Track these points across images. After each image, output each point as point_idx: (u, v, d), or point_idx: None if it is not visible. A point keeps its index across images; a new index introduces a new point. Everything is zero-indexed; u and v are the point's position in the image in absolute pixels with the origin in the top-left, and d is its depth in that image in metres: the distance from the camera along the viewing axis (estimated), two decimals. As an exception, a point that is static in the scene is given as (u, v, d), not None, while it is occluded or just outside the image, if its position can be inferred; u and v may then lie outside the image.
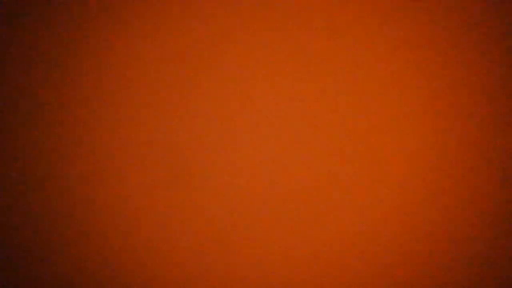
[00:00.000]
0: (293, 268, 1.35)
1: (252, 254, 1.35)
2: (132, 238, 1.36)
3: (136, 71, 1.37)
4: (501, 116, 1.34)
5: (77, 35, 1.38)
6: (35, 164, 1.37)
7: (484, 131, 1.34)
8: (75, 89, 1.37)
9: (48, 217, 1.37)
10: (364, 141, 1.34)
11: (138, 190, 1.36)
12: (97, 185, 1.36)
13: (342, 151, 1.35)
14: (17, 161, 1.37)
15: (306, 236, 1.34)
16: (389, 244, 1.34)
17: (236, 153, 1.35)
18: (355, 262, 1.34)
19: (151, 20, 1.37)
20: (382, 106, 1.35)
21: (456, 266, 1.33)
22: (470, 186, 1.34)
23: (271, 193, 1.35)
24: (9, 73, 1.38)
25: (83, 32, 1.38)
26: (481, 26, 1.35)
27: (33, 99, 1.38)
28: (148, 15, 1.37)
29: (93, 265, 1.36)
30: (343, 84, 1.35)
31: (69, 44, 1.38)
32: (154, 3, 1.37)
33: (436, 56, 1.35)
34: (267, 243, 1.35)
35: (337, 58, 1.35)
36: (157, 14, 1.37)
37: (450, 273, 1.34)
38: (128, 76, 1.37)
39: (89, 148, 1.37)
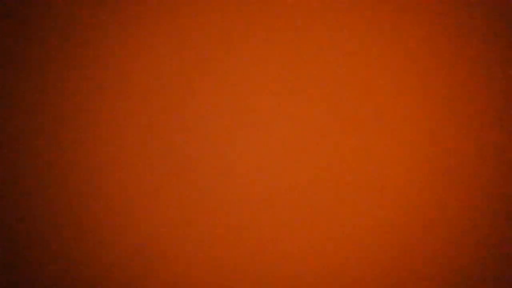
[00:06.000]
0: (293, 268, 1.35)
1: (253, 253, 1.35)
2: (133, 238, 1.36)
3: (138, 71, 1.37)
4: (502, 116, 1.34)
5: (79, 35, 1.38)
6: (35, 164, 1.37)
7: (484, 131, 1.34)
8: (76, 89, 1.37)
9: (49, 217, 1.37)
10: (365, 141, 1.35)
11: (140, 191, 1.36)
12: (98, 185, 1.36)
13: (342, 151, 1.35)
14: (17, 161, 1.37)
15: (307, 236, 1.34)
16: (390, 245, 1.34)
17: (237, 153, 1.35)
18: (355, 262, 1.34)
19: (153, 20, 1.37)
20: (382, 107, 1.35)
21: (456, 267, 1.34)
22: (470, 186, 1.34)
23: (272, 193, 1.35)
24: (9, 73, 1.38)
25: (84, 33, 1.38)
26: (481, 26, 1.35)
27: (34, 98, 1.38)
28: (149, 15, 1.37)
29: (93, 265, 1.36)
30: (344, 85, 1.35)
31: (71, 43, 1.38)
32: (155, 4, 1.37)
33: (437, 57, 1.35)
34: (269, 243, 1.35)
35: (338, 59, 1.35)
36: (159, 14, 1.37)
37: (450, 274, 1.34)
38: (129, 76, 1.37)
39: (90, 148, 1.37)
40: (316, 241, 1.34)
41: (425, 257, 1.34)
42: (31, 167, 1.37)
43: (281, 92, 1.36)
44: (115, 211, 1.36)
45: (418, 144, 1.34)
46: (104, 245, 1.36)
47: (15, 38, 1.38)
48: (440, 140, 1.34)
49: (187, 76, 1.37)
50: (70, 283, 1.37)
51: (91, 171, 1.37)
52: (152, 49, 1.37)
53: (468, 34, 1.35)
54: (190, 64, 1.37)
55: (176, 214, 1.36)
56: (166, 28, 1.37)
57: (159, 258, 1.36)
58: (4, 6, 1.38)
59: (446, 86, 1.35)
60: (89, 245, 1.36)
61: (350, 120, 1.35)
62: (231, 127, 1.36)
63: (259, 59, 1.36)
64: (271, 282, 1.35)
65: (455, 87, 1.35)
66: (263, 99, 1.36)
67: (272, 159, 1.35)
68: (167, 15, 1.37)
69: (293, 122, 1.35)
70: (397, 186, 1.34)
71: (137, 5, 1.37)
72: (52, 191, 1.37)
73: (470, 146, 1.34)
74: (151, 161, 1.36)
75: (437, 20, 1.35)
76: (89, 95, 1.37)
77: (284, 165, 1.35)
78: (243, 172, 1.35)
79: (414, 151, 1.34)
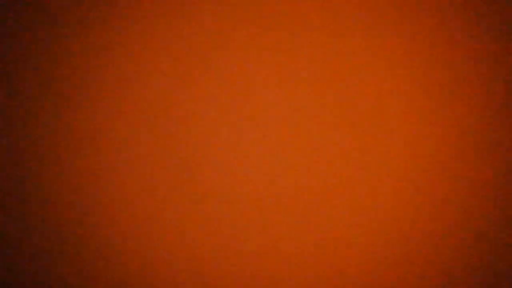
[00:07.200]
0: (293, 269, 1.35)
1: (253, 255, 1.35)
2: (133, 238, 1.36)
3: (137, 70, 1.37)
4: (502, 116, 1.34)
5: (78, 35, 1.38)
6: (35, 164, 1.37)
7: (485, 131, 1.34)
8: (76, 89, 1.38)
9: (48, 217, 1.37)
10: (365, 142, 1.35)
11: (140, 191, 1.36)
12: (97, 185, 1.36)
13: (343, 151, 1.35)
14: (17, 161, 1.37)
15: (307, 237, 1.34)
16: (390, 245, 1.34)
17: (237, 153, 1.35)
18: (355, 263, 1.34)
19: (152, 20, 1.37)
20: (382, 107, 1.35)
21: (456, 267, 1.34)
22: (471, 186, 1.34)
23: (273, 193, 1.35)
24: (9, 73, 1.38)
25: (83, 32, 1.38)
26: (481, 26, 1.35)
27: (34, 98, 1.38)
28: (148, 15, 1.37)
29: (93, 266, 1.36)
30: (344, 84, 1.35)
31: (70, 43, 1.38)
32: (155, 3, 1.37)
33: (437, 56, 1.35)
34: (269, 244, 1.35)
35: (338, 58, 1.35)
36: (158, 14, 1.37)
37: (450, 274, 1.34)
38: (129, 76, 1.37)
39: (89, 149, 1.37)
40: (316, 241, 1.34)
41: (425, 257, 1.34)
42: (32, 167, 1.37)
43: (281, 92, 1.36)
44: (115, 211, 1.36)
45: (418, 144, 1.35)
46: (104, 245, 1.36)
47: (15, 39, 1.38)
48: (440, 140, 1.35)
49: (187, 76, 1.37)
50: (70, 283, 1.37)
51: (92, 171, 1.37)
52: (152, 49, 1.37)
53: (467, 33, 1.35)
54: (190, 64, 1.37)
55: (176, 214, 1.36)
56: (166, 28, 1.37)
57: (159, 259, 1.36)
58: (4, 5, 1.38)
59: (446, 86, 1.35)
60: (89, 245, 1.36)
61: (350, 120, 1.35)
62: (231, 127, 1.36)
63: (259, 59, 1.36)
64: (272, 283, 1.35)
65: (454, 86, 1.35)
66: (263, 99, 1.36)
67: (272, 159, 1.35)
68: (166, 15, 1.37)
69: (293, 122, 1.35)
70: (397, 187, 1.34)
71: (137, 5, 1.38)
72: (52, 191, 1.37)
73: (470, 145, 1.34)
74: (151, 161, 1.36)
75: (437, 20, 1.35)
76: (89, 95, 1.37)
77: (284, 165, 1.35)
78: (243, 172, 1.35)
79: (414, 151, 1.35)
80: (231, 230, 1.35)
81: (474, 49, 1.35)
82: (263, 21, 1.36)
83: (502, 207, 1.34)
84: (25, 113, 1.38)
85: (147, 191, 1.36)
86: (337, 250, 1.34)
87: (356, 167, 1.35)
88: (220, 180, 1.36)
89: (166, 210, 1.36)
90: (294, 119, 1.35)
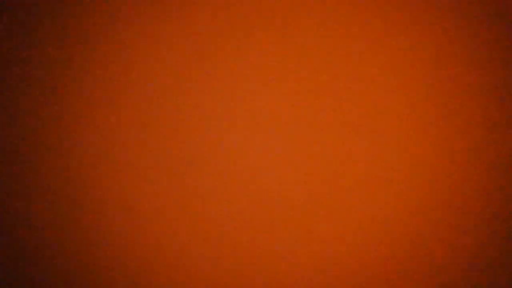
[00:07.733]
0: (293, 270, 1.35)
1: (252, 255, 1.35)
2: (131, 238, 1.36)
3: (136, 70, 1.37)
4: (503, 117, 1.34)
5: (77, 34, 1.38)
6: (34, 164, 1.37)
7: (485, 132, 1.34)
8: (75, 88, 1.38)
9: (48, 217, 1.37)
10: (365, 143, 1.34)
11: (138, 190, 1.36)
12: (96, 185, 1.36)
13: (343, 152, 1.35)
14: (16, 161, 1.38)
15: (307, 238, 1.34)
16: (391, 247, 1.34)
17: (237, 153, 1.35)
18: (355, 264, 1.34)
19: (151, 19, 1.37)
20: (383, 107, 1.35)
21: (457, 268, 1.34)
22: (472, 187, 1.34)
23: (272, 193, 1.35)
24: (9, 73, 1.38)
25: (82, 32, 1.38)
26: (482, 26, 1.35)
27: (33, 98, 1.38)
28: (148, 14, 1.38)
29: (91, 265, 1.36)
30: (345, 84, 1.35)
31: (68, 43, 1.38)
32: (154, 3, 1.37)
33: (438, 56, 1.35)
34: (268, 244, 1.35)
35: (339, 57, 1.35)
36: (157, 13, 1.37)
37: (451, 275, 1.34)
38: (127, 75, 1.37)
39: (87, 148, 1.37)
40: (315, 242, 1.34)
41: (424, 258, 1.34)
42: (31, 167, 1.37)
43: (280, 92, 1.36)
44: (113, 211, 1.36)
45: (418, 145, 1.34)
46: (103, 245, 1.36)
47: (15, 39, 1.38)
48: (439, 141, 1.34)
49: (186, 76, 1.37)
50: (69, 283, 1.37)
51: (91, 171, 1.37)
52: (152, 49, 1.37)
53: (467, 33, 1.35)
54: (190, 65, 1.37)
55: (175, 214, 1.36)
56: (165, 28, 1.37)
57: (157, 259, 1.36)
58: (4, 6, 1.38)
59: (446, 86, 1.35)
60: (89, 245, 1.37)
61: (349, 120, 1.35)
62: (231, 127, 1.36)
63: (259, 59, 1.36)
64: (271, 283, 1.35)
65: (455, 87, 1.35)
66: (262, 100, 1.36)
67: (272, 159, 1.35)
68: (166, 15, 1.37)
69: (293, 123, 1.35)
70: (397, 188, 1.34)
71: (136, 5, 1.38)
72: (52, 191, 1.37)
73: (469, 146, 1.34)
74: (150, 161, 1.36)
75: (437, 21, 1.35)
76: (87, 95, 1.37)
77: (284, 165, 1.35)
78: (243, 172, 1.35)
79: (414, 152, 1.34)
80: (231, 230, 1.35)
81: (475, 49, 1.35)
82: (263, 21, 1.36)
83: (503, 207, 1.34)
84: (25, 113, 1.38)
85: (147, 191, 1.36)
86: (337, 251, 1.34)
87: (356, 167, 1.35)
88: (219, 180, 1.36)
89: (165, 210, 1.36)
90: (294, 120, 1.35)
